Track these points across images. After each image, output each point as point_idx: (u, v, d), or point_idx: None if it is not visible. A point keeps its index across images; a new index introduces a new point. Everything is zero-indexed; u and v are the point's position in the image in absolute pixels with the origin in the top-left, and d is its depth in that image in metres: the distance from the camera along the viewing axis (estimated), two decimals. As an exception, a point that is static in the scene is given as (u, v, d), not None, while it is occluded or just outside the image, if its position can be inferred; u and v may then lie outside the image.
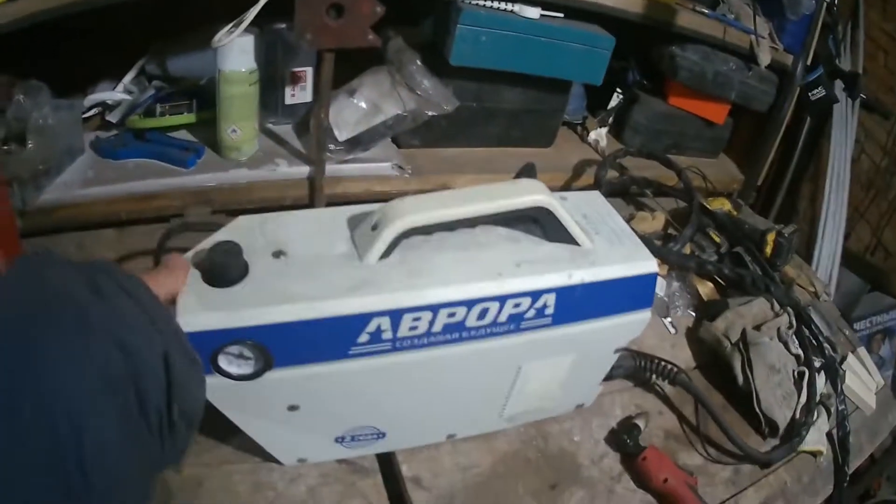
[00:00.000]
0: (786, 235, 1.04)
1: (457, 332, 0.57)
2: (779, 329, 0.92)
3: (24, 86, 0.87)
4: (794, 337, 0.92)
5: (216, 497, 0.63)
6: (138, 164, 0.97)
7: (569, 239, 0.62)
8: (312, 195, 0.99)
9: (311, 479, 0.67)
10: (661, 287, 0.99)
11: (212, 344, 0.49)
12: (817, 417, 0.86)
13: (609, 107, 1.24)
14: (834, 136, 1.45)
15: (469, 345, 0.58)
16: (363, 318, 0.53)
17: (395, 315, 0.54)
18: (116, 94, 1.04)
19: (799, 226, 1.15)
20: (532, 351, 0.64)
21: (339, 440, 0.65)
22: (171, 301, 0.48)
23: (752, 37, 1.14)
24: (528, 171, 1.02)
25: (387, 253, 0.55)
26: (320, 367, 0.54)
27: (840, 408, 0.91)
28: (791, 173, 1.43)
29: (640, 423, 0.79)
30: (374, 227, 0.55)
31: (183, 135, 1.03)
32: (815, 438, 0.85)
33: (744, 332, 0.90)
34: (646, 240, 0.96)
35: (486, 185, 0.60)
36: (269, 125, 1.06)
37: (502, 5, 0.99)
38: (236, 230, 0.56)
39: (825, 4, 1.16)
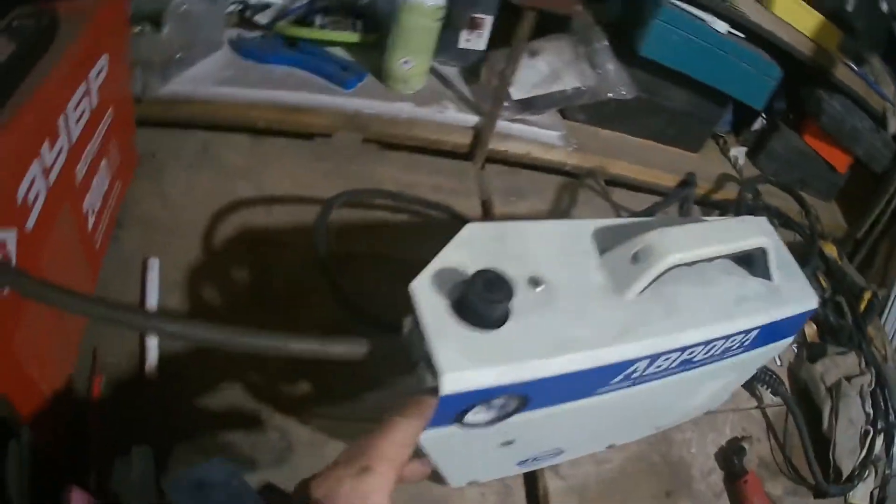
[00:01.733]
0: (878, 297, 1.08)
1: (685, 366, 0.56)
2: (862, 386, 0.97)
3: None
4: (869, 396, 0.97)
5: None
6: (289, 72, 0.93)
7: (767, 275, 0.62)
8: (475, 146, 0.98)
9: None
10: (772, 320, 1.02)
11: (470, 401, 0.42)
12: (868, 475, 0.91)
13: (753, 128, 1.26)
14: None
15: (683, 374, 0.58)
16: (627, 365, 0.50)
17: (654, 358, 0.52)
18: (264, -7, 0.99)
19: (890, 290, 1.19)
20: (716, 375, 0.65)
21: (522, 463, 0.63)
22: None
23: (888, 104, 1.16)
24: (690, 180, 1.05)
25: (645, 290, 0.53)
26: (564, 406, 0.50)
27: (886, 472, 0.96)
28: (878, 233, 1.47)
29: (746, 445, 0.83)
30: (636, 259, 0.52)
31: (338, 53, 0.99)
32: (862, 493, 0.90)
33: (839, 382, 0.94)
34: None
35: (721, 220, 0.61)
36: (435, 64, 1.04)
37: (697, 12, 0.99)
38: (472, 242, 0.49)
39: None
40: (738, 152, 1.23)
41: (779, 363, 0.99)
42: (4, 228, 0.44)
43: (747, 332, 0.59)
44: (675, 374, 0.57)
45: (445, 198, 0.89)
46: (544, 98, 0.99)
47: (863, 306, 1.06)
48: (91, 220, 0.64)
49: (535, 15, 0.85)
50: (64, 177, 0.54)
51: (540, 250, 0.51)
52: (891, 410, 0.97)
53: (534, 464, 0.66)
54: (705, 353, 0.57)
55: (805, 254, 1.06)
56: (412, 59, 0.94)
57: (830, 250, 1.14)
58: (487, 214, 0.92)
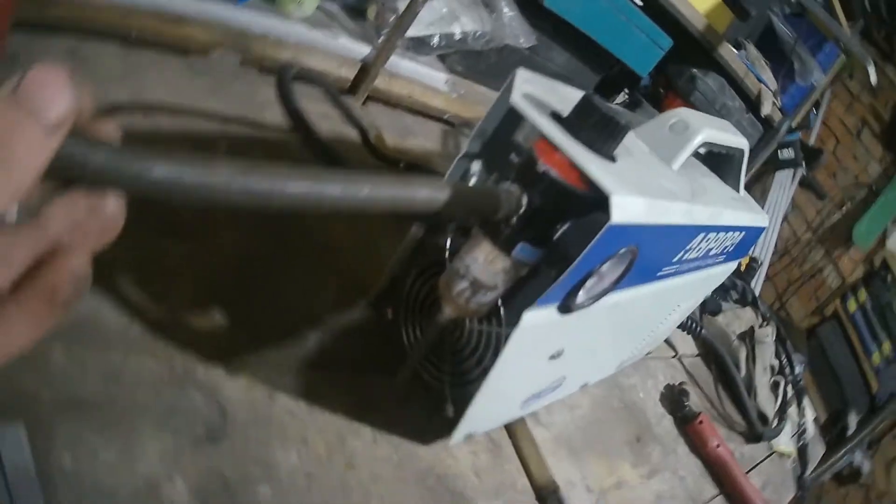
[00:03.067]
0: (758, 261, 1.17)
1: (695, 262, 0.56)
2: (767, 337, 1.01)
3: None
4: (774, 347, 1.01)
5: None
6: None
7: (736, 186, 0.63)
8: (359, 81, 0.87)
9: None
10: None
11: (619, 245, 0.41)
12: (784, 423, 0.95)
13: (614, 101, 1.28)
14: (772, 196, 1.67)
15: (685, 276, 0.57)
16: (693, 232, 0.49)
17: (710, 230, 0.52)
18: None
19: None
20: (692, 290, 0.64)
21: (526, 403, 0.56)
22: None
23: (763, 87, 1.28)
24: None
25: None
26: (631, 291, 0.49)
27: (801, 420, 1.01)
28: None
29: (688, 389, 0.81)
30: (673, 131, 0.52)
31: None
32: (785, 441, 0.94)
33: (752, 329, 0.96)
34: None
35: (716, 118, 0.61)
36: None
37: None
38: (534, 84, 0.45)
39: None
40: None
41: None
42: None
43: (739, 230, 0.60)
44: (683, 274, 0.56)
45: (335, 127, 0.76)
46: (440, 38, 0.91)
47: (742, 268, 1.13)
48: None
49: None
50: None
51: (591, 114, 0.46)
52: (793, 361, 1.02)
53: (535, 402, 0.57)
54: (719, 247, 0.57)
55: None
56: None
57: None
58: (381, 148, 0.80)
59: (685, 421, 0.77)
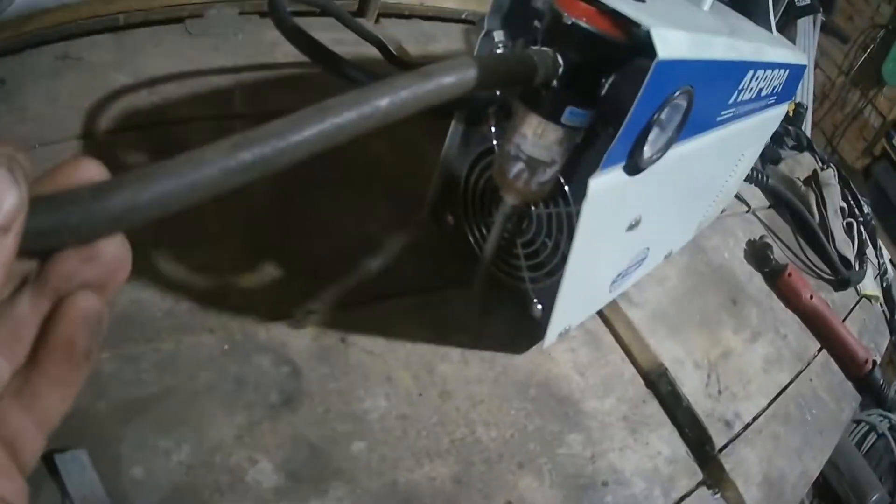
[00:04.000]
0: (804, 106, 1.09)
1: (750, 105, 0.53)
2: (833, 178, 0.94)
3: None
4: (839, 189, 0.94)
5: None
6: None
7: (769, 27, 0.58)
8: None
9: None
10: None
11: (673, 86, 0.37)
12: (866, 265, 0.89)
13: None
14: (799, 43, 1.57)
15: (743, 121, 0.54)
16: (742, 69, 0.45)
17: (758, 67, 0.48)
18: None
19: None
20: (753, 135, 0.60)
21: (614, 283, 0.51)
22: None
23: None
24: None
25: None
26: (695, 141, 0.46)
27: (880, 261, 0.94)
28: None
29: (770, 242, 0.75)
30: None
31: None
32: (871, 284, 0.88)
33: (815, 172, 0.89)
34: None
35: None
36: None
37: None
38: None
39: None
40: None
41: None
42: None
43: (783, 67, 0.55)
44: (745, 117, 0.53)
45: (351, 50, 0.71)
46: None
47: (791, 113, 1.05)
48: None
49: None
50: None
51: None
52: (861, 202, 0.95)
53: (623, 282, 0.53)
54: (756, 90, 0.52)
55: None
56: None
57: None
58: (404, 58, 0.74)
59: (774, 275, 0.72)
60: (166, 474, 0.34)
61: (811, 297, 0.70)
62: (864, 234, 0.90)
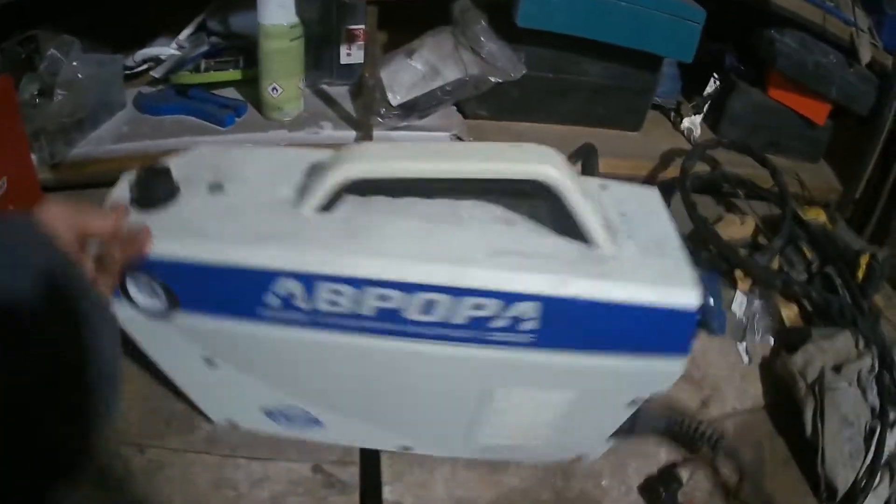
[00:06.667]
0: (879, 260, 0.88)
1: (395, 324, 0.46)
2: (860, 372, 0.76)
3: (59, 41, 0.86)
4: (873, 382, 0.76)
5: (174, 486, 0.57)
6: (176, 120, 0.92)
7: (581, 235, 0.48)
8: None
9: (277, 485, 0.58)
10: (739, 305, 0.85)
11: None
12: (879, 483, 0.70)
13: (705, 93, 1.07)
14: None
15: (413, 344, 0.47)
16: (268, 276, 0.45)
17: (308, 281, 0.44)
18: (168, 49, 1.00)
19: (894, 249, 0.98)
20: (507, 375, 0.51)
21: (269, 414, 0.57)
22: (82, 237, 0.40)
23: (853, 29, 0.97)
24: (586, 154, 0.86)
25: (329, 206, 0.47)
26: (229, 322, 0.48)
27: None
28: (889, 188, 1.22)
29: (684, 473, 0.64)
30: (314, 173, 0.48)
31: (230, 93, 0.98)
32: None
33: (821, 375, 0.74)
34: (728, 248, 0.83)
35: (484, 143, 0.53)
36: (324, 86, 0.99)
37: None
38: (191, 158, 0.53)
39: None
40: (692, 123, 1.05)
41: (747, 361, 0.81)
42: None
43: (507, 298, 0.45)
44: (393, 336, 0.47)
45: None
46: (426, 97, 0.89)
47: (861, 274, 0.87)
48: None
49: (376, 10, 0.78)
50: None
51: (248, 169, 0.52)
52: None
53: (287, 423, 0.58)
54: (425, 313, 0.45)
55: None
56: (279, 84, 0.89)
57: (817, 215, 0.96)
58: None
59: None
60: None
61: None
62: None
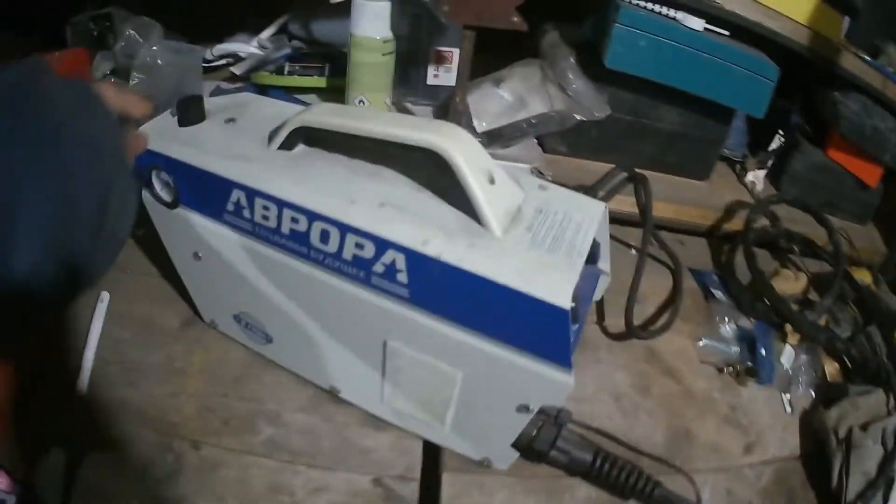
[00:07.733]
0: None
1: (302, 246, 0.55)
2: (884, 430, 0.80)
3: (137, 22, 0.87)
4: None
5: (228, 486, 0.57)
6: None
7: (471, 211, 0.50)
8: None
9: (336, 495, 0.58)
10: (787, 358, 0.88)
11: (149, 161, 0.59)
12: None
13: (770, 148, 1.10)
14: None
15: (316, 270, 0.55)
16: (228, 185, 0.56)
17: (250, 194, 0.55)
18: (248, 47, 1.02)
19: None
20: (393, 326, 0.54)
21: (237, 319, 0.67)
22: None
23: None
24: (634, 180, 0.86)
25: (288, 145, 0.57)
26: (207, 221, 0.60)
27: None
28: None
29: None
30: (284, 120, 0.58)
31: (311, 99, 0.99)
32: None
33: (850, 431, 0.78)
34: (781, 302, 0.87)
35: (406, 115, 0.67)
36: (408, 104, 1.01)
37: (664, 10, 0.88)
38: (230, 98, 0.67)
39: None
40: (756, 177, 1.08)
41: (790, 411, 0.85)
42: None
43: (379, 243, 0.50)
44: (302, 258, 0.56)
45: None
46: (511, 128, 0.91)
47: (900, 336, 0.90)
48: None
49: (474, 35, 0.81)
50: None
51: (264, 113, 0.64)
52: None
53: (248, 332, 0.67)
54: (322, 242, 0.53)
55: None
56: (366, 97, 0.91)
57: (863, 276, 0.99)
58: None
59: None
60: None
61: None
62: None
